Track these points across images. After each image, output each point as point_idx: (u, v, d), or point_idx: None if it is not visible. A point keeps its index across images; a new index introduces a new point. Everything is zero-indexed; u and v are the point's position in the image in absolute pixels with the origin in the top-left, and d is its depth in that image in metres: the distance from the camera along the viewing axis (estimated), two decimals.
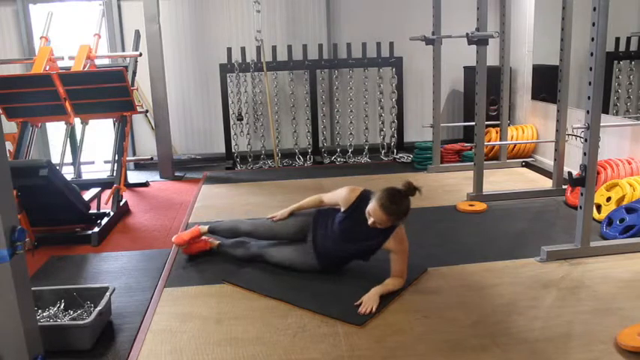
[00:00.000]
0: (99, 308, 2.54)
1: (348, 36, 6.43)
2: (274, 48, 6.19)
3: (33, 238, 3.74)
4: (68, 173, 4.65)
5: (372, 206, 2.76)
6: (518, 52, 6.02)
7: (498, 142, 5.71)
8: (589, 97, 3.11)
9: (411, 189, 2.77)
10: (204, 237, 3.54)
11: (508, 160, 5.68)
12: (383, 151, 6.50)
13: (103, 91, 4.59)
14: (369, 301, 2.72)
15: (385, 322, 2.61)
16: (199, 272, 3.30)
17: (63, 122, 4.82)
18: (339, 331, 2.54)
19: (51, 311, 2.66)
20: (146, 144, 6.49)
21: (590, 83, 3.09)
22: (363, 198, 2.92)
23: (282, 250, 3.21)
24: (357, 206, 2.92)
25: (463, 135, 6.54)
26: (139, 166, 6.39)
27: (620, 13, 4.73)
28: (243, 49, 6.15)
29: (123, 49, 6.17)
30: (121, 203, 4.55)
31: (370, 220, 2.78)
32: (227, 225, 3.49)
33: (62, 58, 5.02)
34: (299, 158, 6.42)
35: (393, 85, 6.40)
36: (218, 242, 3.52)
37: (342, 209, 2.97)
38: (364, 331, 2.54)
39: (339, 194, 3.03)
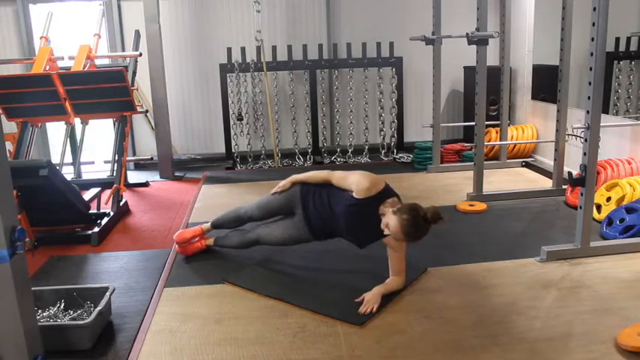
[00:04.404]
0: (99, 308, 2.54)
1: (348, 36, 6.44)
2: (274, 48, 6.19)
3: (33, 238, 3.75)
4: (68, 173, 4.65)
5: (393, 224, 2.65)
6: (518, 52, 6.02)
7: (498, 142, 5.71)
8: (589, 97, 3.10)
9: (436, 218, 2.64)
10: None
11: (508, 160, 5.68)
12: (383, 151, 6.50)
13: (103, 91, 4.59)
14: (370, 300, 2.72)
15: (385, 322, 2.61)
16: (199, 272, 3.30)
17: (63, 122, 4.82)
18: (339, 331, 2.54)
19: (51, 311, 2.66)
20: (146, 144, 6.49)
21: (590, 83, 3.09)
22: (384, 194, 2.83)
23: (273, 231, 3.18)
24: (375, 199, 2.81)
25: (463, 135, 6.54)
26: (139, 166, 6.39)
27: (620, 13, 4.73)
28: (243, 49, 6.15)
29: (123, 49, 6.17)
30: (121, 203, 4.55)
31: (385, 231, 2.71)
32: (230, 216, 3.45)
33: (62, 58, 5.02)
34: (299, 158, 6.42)
35: (393, 85, 6.40)
36: (213, 238, 3.52)
37: (356, 196, 2.83)
38: (364, 331, 2.54)
39: (354, 181, 2.85)
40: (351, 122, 6.52)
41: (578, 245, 3.28)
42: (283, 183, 3.18)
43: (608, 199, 3.92)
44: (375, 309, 2.67)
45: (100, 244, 3.87)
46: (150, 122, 6.38)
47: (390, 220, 2.68)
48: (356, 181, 2.85)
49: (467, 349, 2.37)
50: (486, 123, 4.84)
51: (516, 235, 3.76)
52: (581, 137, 3.29)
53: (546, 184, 4.89)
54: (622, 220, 3.58)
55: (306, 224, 3.06)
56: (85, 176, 5.01)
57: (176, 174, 5.95)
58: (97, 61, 5.24)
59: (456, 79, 6.63)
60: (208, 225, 3.53)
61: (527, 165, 5.62)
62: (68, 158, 5.14)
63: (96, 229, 3.94)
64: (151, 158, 6.03)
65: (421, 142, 6.07)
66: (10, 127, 4.87)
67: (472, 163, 4.61)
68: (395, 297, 2.83)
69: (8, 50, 6.04)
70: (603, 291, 2.85)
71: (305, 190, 3.08)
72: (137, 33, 5.55)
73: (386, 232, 2.71)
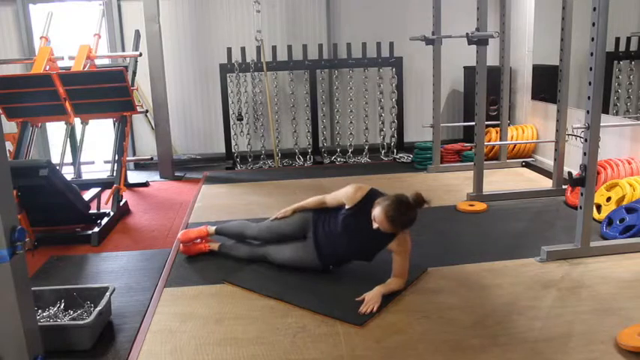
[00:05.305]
0: (99, 308, 2.54)
1: (348, 36, 6.44)
2: (274, 48, 6.20)
3: (33, 238, 3.75)
4: (68, 173, 4.65)
5: (377, 213, 2.72)
6: (518, 52, 6.02)
7: (498, 142, 5.71)
8: (589, 97, 3.11)
9: (420, 201, 2.72)
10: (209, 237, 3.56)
11: (508, 160, 5.68)
12: (383, 151, 6.50)
13: (103, 91, 4.59)
14: (371, 300, 2.72)
15: (385, 322, 2.61)
16: (199, 272, 3.30)
17: (63, 122, 4.82)
18: (339, 331, 2.54)
19: (51, 311, 2.66)
20: (146, 144, 6.49)
21: (590, 83, 3.09)
22: (370, 197, 2.87)
23: (284, 250, 3.19)
24: (363, 205, 2.87)
25: (463, 135, 6.54)
26: (139, 166, 6.39)
27: (620, 13, 4.73)
28: (243, 49, 6.15)
29: (123, 49, 6.17)
30: (121, 203, 4.55)
31: (375, 225, 2.75)
32: (234, 229, 3.48)
33: (62, 58, 5.02)
34: (299, 158, 6.42)
35: (393, 85, 6.40)
36: (219, 244, 3.52)
37: (347, 206, 2.93)
38: (364, 331, 2.54)
39: (343, 192, 2.97)
40: (351, 122, 6.52)
41: (578, 245, 3.28)
42: (284, 210, 3.24)
43: (608, 199, 3.92)
44: (375, 309, 2.68)
45: (100, 244, 3.87)
46: (150, 122, 6.38)
47: (376, 211, 2.73)
48: (343, 193, 2.97)
49: (467, 349, 2.37)
50: (486, 123, 4.84)
51: (516, 235, 3.76)
52: (581, 137, 3.29)
53: (546, 184, 4.89)
54: (622, 220, 3.58)
55: (315, 249, 3.07)
56: (85, 176, 5.01)
57: (176, 174, 5.95)
58: (97, 61, 5.24)
59: (456, 79, 6.63)
60: (213, 229, 3.53)
61: (527, 165, 5.62)
62: (68, 158, 5.14)
63: (96, 229, 3.94)
64: (151, 158, 6.03)
65: (421, 142, 6.06)
66: (10, 127, 4.87)
67: (472, 163, 4.61)
68: (395, 297, 2.83)
69: (8, 50, 6.04)
70: (603, 291, 2.85)
71: (317, 216, 3.12)
72: (137, 33, 5.55)
73: (374, 225, 2.74)
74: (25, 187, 3.51)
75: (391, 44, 6.27)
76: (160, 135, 5.88)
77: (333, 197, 3.06)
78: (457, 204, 4.39)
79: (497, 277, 3.08)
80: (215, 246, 3.52)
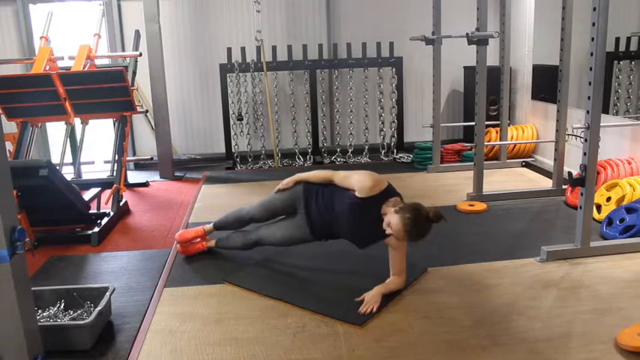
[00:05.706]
0: (99, 308, 2.54)
1: (348, 36, 6.44)
2: (274, 48, 6.19)
3: (33, 238, 3.75)
4: (68, 173, 4.65)
5: (395, 222, 2.66)
6: (518, 52, 6.02)
7: (498, 142, 5.71)
8: (589, 97, 3.11)
9: (438, 218, 2.68)
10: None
11: (508, 160, 5.68)
12: (383, 151, 6.50)
13: (103, 91, 4.59)
14: (371, 300, 2.72)
15: (385, 322, 2.61)
16: (199, 272, 3.30)
17: (63, 122, 4.82)
18: (339, 331, 2.54)
19: (51, 311, 2.67)
20: (146, 144, 6.49)
21: (590, 83, 3.09)
22: (386, 193, 2.83)
23: (275, 232, 3.18)
24: (376, 199, 2.81)
25: (463, 135, 6.54)
26: (139, 166, 6.39)
27: (620, 13, 4.73)
28: (243, 49, 6.15)
29: (123, 49, 6.17)
30: (121, 203, 4.55)
31: (387, 230, 2.72)
32: (232, 217, 3.45)
33: (62, 58, 5.02)
34: (299, 158, 6.42)
35: (393, 85, 6.40)
36: (215, 240, 3.52)
37: (358, 194, 2.83)
38: (364, 331, 2.54)
39: (357, 180, 2.86)
40: (351, 122, 6.52)
41: (578, 245, 3.28)
42: (287, 181, 3.18)
43: (608, 199, 3.92)
44: (375, 309, 2.68)
45: (100, 244, 3.87)
46: (150, 122, 6.39)
47: (392, 219, 2.68)
48: (358, 181, 2.85)
49: (467, 349, 2.37)
50: (486, 123, 4.83)
51: (516, 235, 3.76)
52: (581, 137, 3.29)
53: (546, 184, 4.89)
54: (622, 220, 3.58)
55: (307, 224, 3.06)
56: (85, 176, 5.01)
57: (176, 174, 5.95)
58: (97, 61, 5.24)
59: (456, 79, 6.63)
60: (210, 226, 3.52)
61: (527, 165, 5.62)
62: (68, 158, 5.14)
63: (96, 229, 3.94)
64: (151, 158, 6.03)
65: (421, 142, 6.07)
66: (10, 127, 4.87)
67: (472, 163, 4.61)
68: (395, 297, 2.83)
69: (8, 50, 6.04)
70: (603, 291, 2.85)
71: (308, 189, 3.08)
72: (137, 33, 5.55)
73: (388, 231, 2.72)
74: (25, 187, 3.51)
75: (391, 44, 6.27)
76: (160, 135, 5.88)
77: (343, 179, 2.94)
78: (457, 204, 4.38)
79: (497, 277, 3.08)
80: (212, 243, 3.53)
